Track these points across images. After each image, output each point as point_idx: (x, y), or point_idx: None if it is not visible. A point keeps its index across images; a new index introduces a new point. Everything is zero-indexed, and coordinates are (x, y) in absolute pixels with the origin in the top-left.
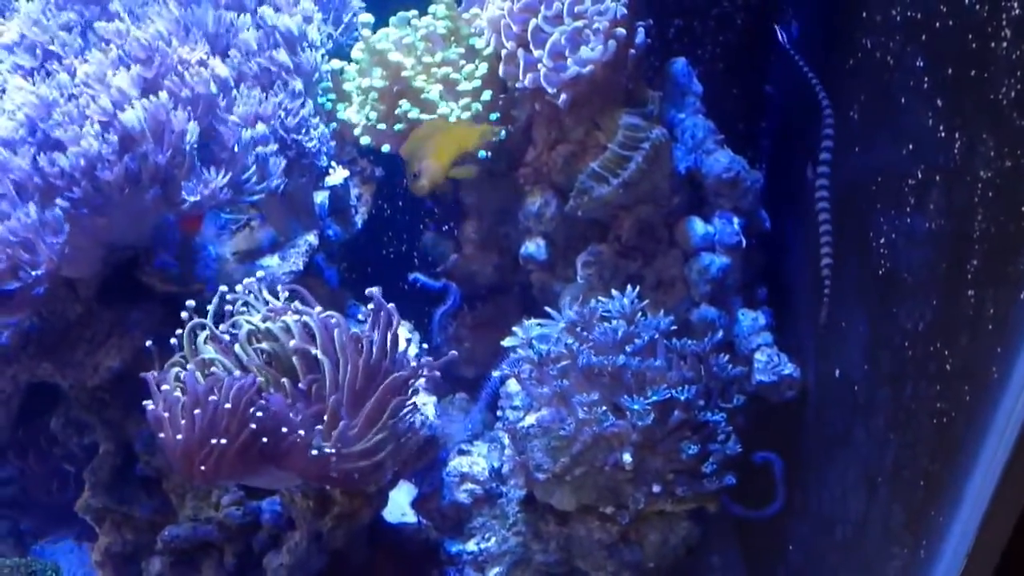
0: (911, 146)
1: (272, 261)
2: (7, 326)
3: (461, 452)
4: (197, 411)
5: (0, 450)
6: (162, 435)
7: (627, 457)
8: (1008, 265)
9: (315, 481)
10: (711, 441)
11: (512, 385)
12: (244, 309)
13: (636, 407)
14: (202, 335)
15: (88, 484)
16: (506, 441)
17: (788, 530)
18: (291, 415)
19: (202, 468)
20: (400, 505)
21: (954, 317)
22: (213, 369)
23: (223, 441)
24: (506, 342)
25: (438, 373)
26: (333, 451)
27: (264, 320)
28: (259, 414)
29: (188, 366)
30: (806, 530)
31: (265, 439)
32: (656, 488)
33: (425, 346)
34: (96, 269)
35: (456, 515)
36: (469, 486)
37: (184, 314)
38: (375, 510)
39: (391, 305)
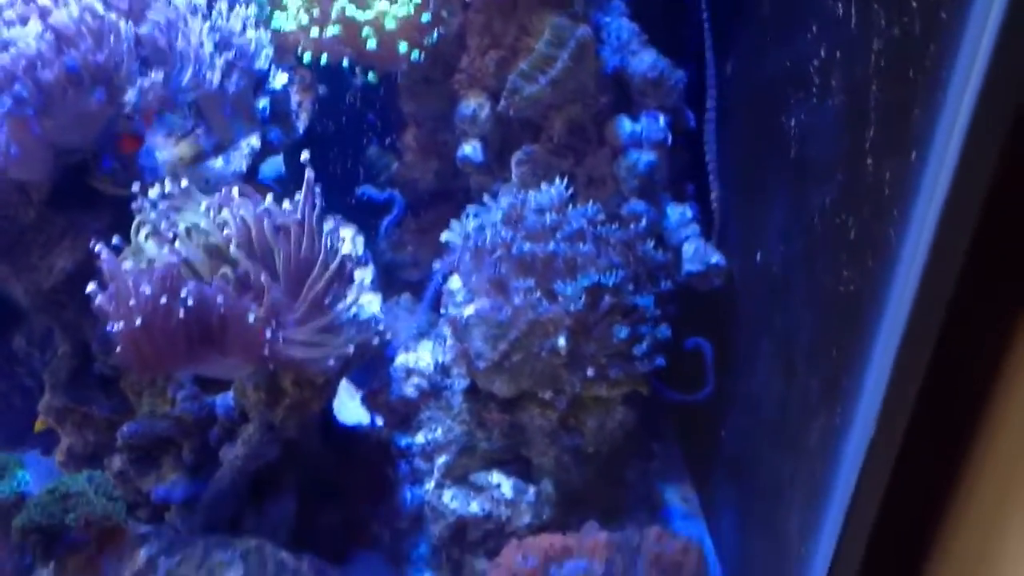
0: (815, 28)
1: (216, 163)
2: None
3: (407, 349)
4: (132, 301)
5: None
6: (108, 327)
7: (561, 342)
8: (900, 130)
9: (260, 365)
10: (641, 324)
11: (454, 282)
12: (183, 207)
13: (568, 291)
14: (143, 232)
15: (48, 385)
16: (448, 333)
17: (720, 415)
18: (225, 297)
19: (143, 355)
20: (356, 413)
21: (856, 187)
22: (155, 265)
23: (153, 324)
24: (444, 236)
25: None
26: (275, 334)
27: (203, 216)
28: (184, 294)
29: (126, 263)
30: (736, 414)
31: (197, 320)
32: (590, 372)
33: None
34: (47, 172)
35: (404, 409)
36: (416, 380)
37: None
38: (324, 400)
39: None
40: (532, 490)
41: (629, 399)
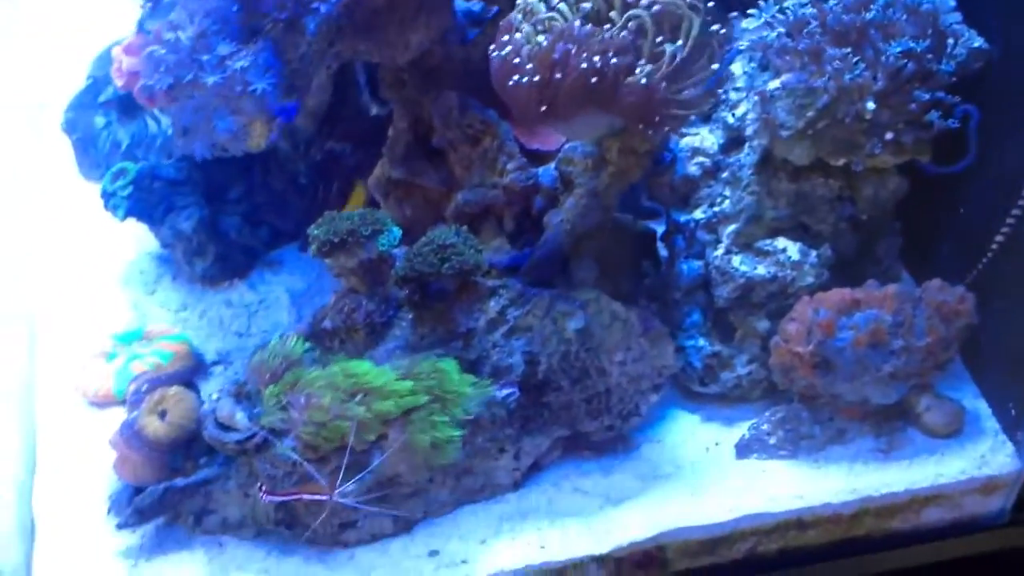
0: None
1: None
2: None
3: (681, 134)
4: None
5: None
6: (513, 79)
7: (870, 105)
8: None
9: (631, 120)
10: (937, 91)
11: (734, 69)
12: None
13: (896, 49)
14: None
15: (386, 158)
16: (734, 116)
17: (960, 193)
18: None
19: (542, 106)
20: None
21: None
22: (553, 24)
23: (559, 77)
24: (747, 23)
25: None
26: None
27: None
28: (596, 58)
29: (523, 26)
30: (982, 190)
31: (597, 78)
32: (888, 135)
33: None
34: None
35: (684, 188)
36: (700, 159)
37: None
38: (642, 170)
39: None
40: (814, 254)
41: (902, 168)
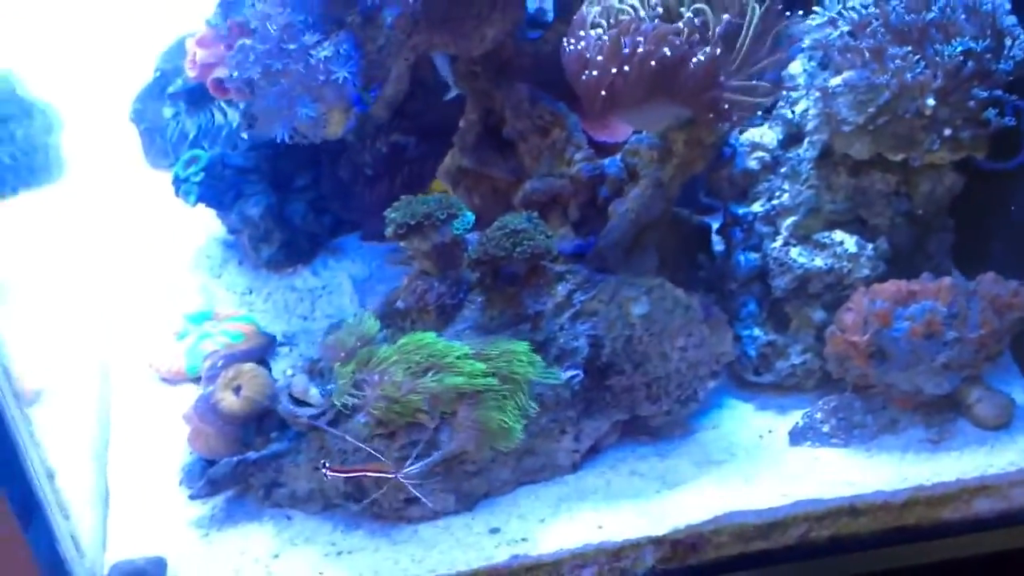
0: None
1: None
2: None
3: (742, 128)
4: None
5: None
6: (584, 73)
7: (930, 102)
8: None
9: (697, 108)
10: (996, 90)
11: (793, 67)
12: None
13: (956, 48)
14: None
15: (457, 147)
16: (793, 112)
17: (1012, 192)
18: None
19: (608, 96)
20: None
21: None
22: (622, 17)
23: (627, 69)
24: (814, 21)
25: None
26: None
27: None
28: (666, 50)
29: (596, 20)
30: None
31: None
32: (947, 132)
33: None
34: None
35: (743, 182)
36: (759, 154)
37: None
38: (707, 161)
39: None
40: (870, 246)
41: (958, 165)
